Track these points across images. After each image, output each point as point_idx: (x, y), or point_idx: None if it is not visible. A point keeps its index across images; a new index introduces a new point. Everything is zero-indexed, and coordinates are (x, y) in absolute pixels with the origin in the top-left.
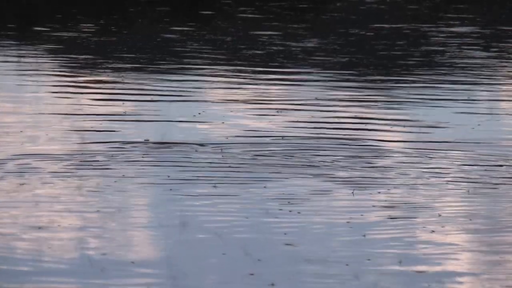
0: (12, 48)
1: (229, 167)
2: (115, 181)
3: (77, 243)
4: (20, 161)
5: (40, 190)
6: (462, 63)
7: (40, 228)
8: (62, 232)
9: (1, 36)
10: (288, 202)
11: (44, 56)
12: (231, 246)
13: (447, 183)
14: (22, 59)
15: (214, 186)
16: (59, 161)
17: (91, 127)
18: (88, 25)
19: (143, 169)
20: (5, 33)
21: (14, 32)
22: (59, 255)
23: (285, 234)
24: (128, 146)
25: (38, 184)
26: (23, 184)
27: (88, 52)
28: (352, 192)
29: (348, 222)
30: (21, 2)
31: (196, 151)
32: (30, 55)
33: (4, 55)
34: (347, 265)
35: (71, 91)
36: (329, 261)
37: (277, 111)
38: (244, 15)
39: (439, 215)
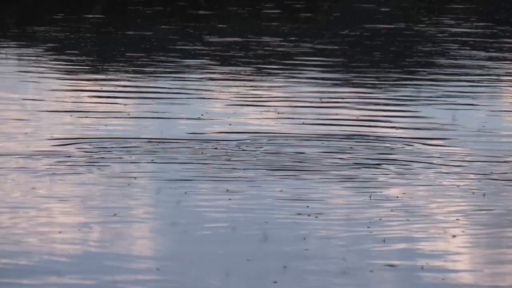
0: (12, 48)
1: (241, 168)
2: (128, 184)
3: (83, 242)
4: (24, 160)
5: (47, 189)
6: (463, 63)
7: (48, 225)
8: (68, 231)
9: (1, 36)
10: (307, 206)
11: (43, 56)
12: (253, 251)
13: (459, 186)
14: (22, 59)
15: (227, 190)
16: (64, 161)
17: (95, 127)
18: (86, 24)
19: (153, 169)
20: (5, 33)
21: (14, 32)
22: (63, 253)
23: (304, 239)
24: (133, 146)
25: (46, 183)
26: (28, 182)
27: (87, 51)
28: (370, 196)
29: (368, 227)
30: (21, 2)
31: (201, 153)
32: (29, 55)
33: (5, 55)
34: (371, 271)
35: (73, 90)
36: (351, 267)
37: (278, 113)
38: (240, 15)
39: (457, 219)
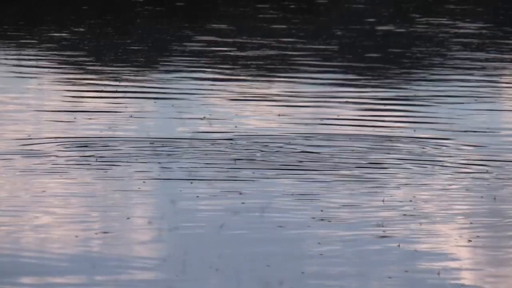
0: (11, 48)
1: (249, 170)
2: (138, 188)
3: (86, 243)
4: (26, 160)
5: (51, 189)
6: (463, 64)
7: (50, 225)
8: (70, 231)
9: (1, 36)
10: (321, 210)
11: (42, 56)
12: (270, 257)
13: (468, 189)
14: (22, 59)
15: (240, 193)
16: (68, 162)
17: (99, 129)
18: (85, 25)
19: (160, 171)
20: (5, 33)
21: (14, 32)
22: (66, 253)
23: (319, 243)
24: (138, 146)
25: (50, 183)
26: (31, 182)
27: (86, 52)
28: (383, 200)
29: (383, 231)
30: (21, 2)
31: (205, 154)
32: (29, 55)
33: (4, 55)
34: (389, 277)
35: (73, 91)
36: (368, 273)
37: (279, 115)
38: (239, 16)
39: (471, 223)
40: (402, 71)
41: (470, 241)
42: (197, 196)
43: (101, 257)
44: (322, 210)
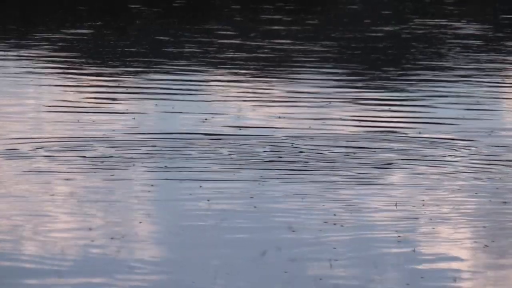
0: (11, 48)
1: (257, 171)
2: (149, 191)
3: (87, 243)
4: (27, 161)
5: (55, 190)
6: (463, 65)
7: (53, 226)
8: (72, 231)
9: (0, 36)
10: (334, 215)
11: (41, 57)
12: (286, 263)
13: (477, 193)
14: (21, 59)
15: (251, 197)
16: (72, 162)
17: (101, 130)
18: (84, 27)
19: (167, 172)
20: (4, 33)
21: (14, 32)
22: (66, 254)
23: (334, 248)
24: (141, 147)
25: (53, 184)
26: (33, 182)
27: (85, 53)
28: (395, 205)
29: (399, 236)
30: (20, 2)
31: (208, 156)
32: (28, 56)
33: (4, 55)
34: (407, 284)
35: (74, 92)
36: (386, 280)
37: (279, 117)
38: (237, 17)
39: (484, 227)
40: (402, 72)
41: (486, 246)
42: (208, 200)
43: (107, 260)
44: (335, 215)
